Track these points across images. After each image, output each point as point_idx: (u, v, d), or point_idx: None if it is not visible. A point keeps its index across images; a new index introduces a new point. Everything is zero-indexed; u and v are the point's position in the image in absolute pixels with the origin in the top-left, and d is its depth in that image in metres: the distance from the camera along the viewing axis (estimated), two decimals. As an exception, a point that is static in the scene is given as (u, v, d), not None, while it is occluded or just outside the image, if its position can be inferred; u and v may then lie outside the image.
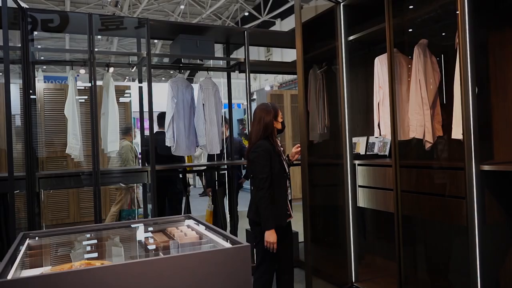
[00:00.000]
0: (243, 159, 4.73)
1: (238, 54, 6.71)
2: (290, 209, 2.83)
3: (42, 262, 1.97)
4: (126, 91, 6.55)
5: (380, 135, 3.28)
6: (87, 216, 6.12)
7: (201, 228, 2.23)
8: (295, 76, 8.84)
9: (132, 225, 2.58)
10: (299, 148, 3.00)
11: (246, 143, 7.40)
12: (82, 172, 3.65)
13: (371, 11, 3.46)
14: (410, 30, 3.22)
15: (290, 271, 2.89)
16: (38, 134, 3.83)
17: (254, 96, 9.30)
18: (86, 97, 4.42)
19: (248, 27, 6.81)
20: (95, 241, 2.25)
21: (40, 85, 6.12)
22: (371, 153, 3.73)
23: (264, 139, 2.74)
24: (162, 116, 4.70)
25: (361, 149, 3.82)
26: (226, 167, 4.70)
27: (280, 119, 2.81)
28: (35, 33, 3.84)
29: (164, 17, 13.32)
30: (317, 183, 4.66)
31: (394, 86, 2.99)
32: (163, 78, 18.13)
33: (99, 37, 12.47)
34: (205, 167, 5.07)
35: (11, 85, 3.00)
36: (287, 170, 2.82)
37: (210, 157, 5.03)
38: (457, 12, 2.36)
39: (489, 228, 2.69)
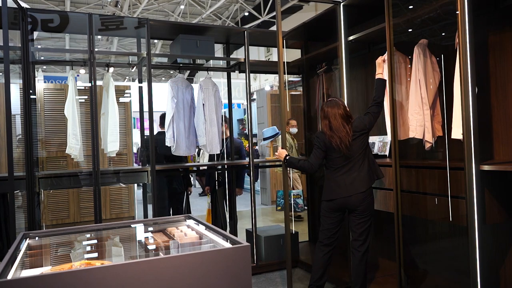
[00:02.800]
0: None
1: (238, 54, 6.71)
2: None
3: (42, 262, 1.97)
4: (126, 91, 6.55)
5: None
6: (87, 216, 6.11)
7: (201, 228, 2.23)
8: (295, 76, 8.84)
9: (132, 225, 2.59)
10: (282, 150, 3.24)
11: (246, 143, 7.40)
12: (82, 172, 3.65)
13: (371, 11, 3.46)
14: (410, 30, 3.22)
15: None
16: (38, 134, 3.83)
17: (254, 96, 9.29)
18: (86, 97, 4.42)
19: (248, 27, 6.80)
20: (95, 241, 2.26)
21: (40, 85, 6.12)
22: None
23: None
24: (164, 116, 4.70)
25: (361, 149, 3.82)
26: (224, 167, 4.70)
27: (348, 109, 3.06)
28: (35, 33, 3.84)
29: (164, 17, 13.32)
30: (317, 183, 4.66)
31: (394, 85, 2.99)
32: (163, 78, 18.13)
33: (99, 37, 12.47)
34: (206, 167, 5.07)
35: (11, 85, 3.00)
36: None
37: (210, 157, 5.04)
38: (457, 12, 2.36)
39: (489, 228, 2.69)
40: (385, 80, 3.10)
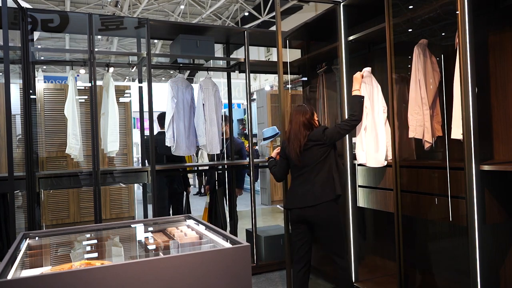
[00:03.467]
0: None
1: (238, 54, 6.71)
2: None
3: (42, 262, 1.97)
4: (126, 91, 6.55)
5: (361, 162, 3.17)
6: (87, 216, 6.11)
7: (201, 228, 2.23)
8: (295, 76, 8.79)
9: (132, 225, 2.59)
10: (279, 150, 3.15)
11: (246, 143, 7.40)
12: (82, 172, 3.65)
13: (371, 11, 3.46)
14: (410, 30, 3.22)
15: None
16: (38, 134, 3.83)
17: (254, 96, 9.29)
18: (86, 97, 4.42)
19: (248, 27, 6.81)
20: (95, 241, 2.26)
21: (40, 85, 6.11)
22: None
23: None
24: (162, 116, 4.70)
25: (361, 149, 3.82)
26: (224, 167, 4.70)
27: (316, 118, 2.91)
28: (36, 33, 3.84)
29: (164, 17, 13.31)
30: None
31: (393, 85, 2.98)
32: (163, 78, 18.13)
33: (99, 37, 12.47)
34: (207, 167, 5.08)
35: (11, 85, 3.00)
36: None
37: (210, 157, 5.05)
38: (457, 12, 2.36)
39: (489, 228, 2.69)
40: (363, 97, 2.95)
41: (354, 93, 2.97)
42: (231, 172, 4.64)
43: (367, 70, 3.13)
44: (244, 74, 4.27)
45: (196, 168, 5.24)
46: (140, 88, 4.28)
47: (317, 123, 2.91)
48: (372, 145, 3.09)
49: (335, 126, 2.85)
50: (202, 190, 10.03)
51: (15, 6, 3.29)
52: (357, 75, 3.05)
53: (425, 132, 2.90)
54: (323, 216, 2.75)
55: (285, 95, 3.45)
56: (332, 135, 2.81)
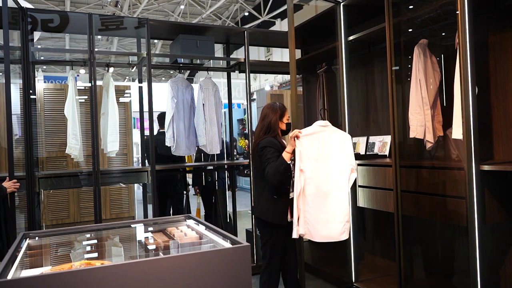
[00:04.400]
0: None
1: (238, 54, 6.71)
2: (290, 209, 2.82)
3: (42, 262, 1.97)
4: (126, 91, 6.54)
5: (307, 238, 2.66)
6: (87, 216, 6.10)
7: (201, 228, 2.23)
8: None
9: (132, 225, 2.59)
10: None
11: (244, 143, 7.40)
12: (82, 172, 3.65)
13: (371, 11, 3.46)
14: (410, 30, 3.22)
15: (295, 271, 2.88)
16: (38, 134, 3.83)
17: (254, 96, 9.30)
18: (86, 97, 4.42)
19: (248, 27, 6.81)
20: (95, 241, 2.26)
21: (40, 85, 6.11)
22: (371, 153, 3.73)
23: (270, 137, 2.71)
24: (162, 116, 4.70)
25: (361, 149, 3.82)
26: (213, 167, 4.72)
27: (285, 120, 2.76)
28: (37, 34, 3.83)
29: (164, 17, 13.32)
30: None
31: (393, 85, 2.98)
32: (163, 78, 18.14)
33: (99, 37, 12.48)
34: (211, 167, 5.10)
35: (11, 85, 3.00)
36: (291, 168, 2.68)
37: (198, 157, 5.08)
38: (457, 12, 2.36)
39: (489, 228, 2.69)
40: (286, 165, 2.51)
41: (283, 155, 2.56)
42: (232, 173, 4.64)
43: (319, 124, 2.62)
44: (244, 74, 4.27)
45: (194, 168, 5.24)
46: (140, 88, 4.28)
47: (284, 126, 2.73)
48: (321, 216, 2.56)
49: (269, 161, 2.55)
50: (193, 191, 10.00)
51: (15, 6, 3.29)
52: (291, 134, 2.59)
53: (426, 132, 2.90)
54: (256, 223, 2.84)
55: (286, 94, 3.44)
56: (262, 158, 2.60)
